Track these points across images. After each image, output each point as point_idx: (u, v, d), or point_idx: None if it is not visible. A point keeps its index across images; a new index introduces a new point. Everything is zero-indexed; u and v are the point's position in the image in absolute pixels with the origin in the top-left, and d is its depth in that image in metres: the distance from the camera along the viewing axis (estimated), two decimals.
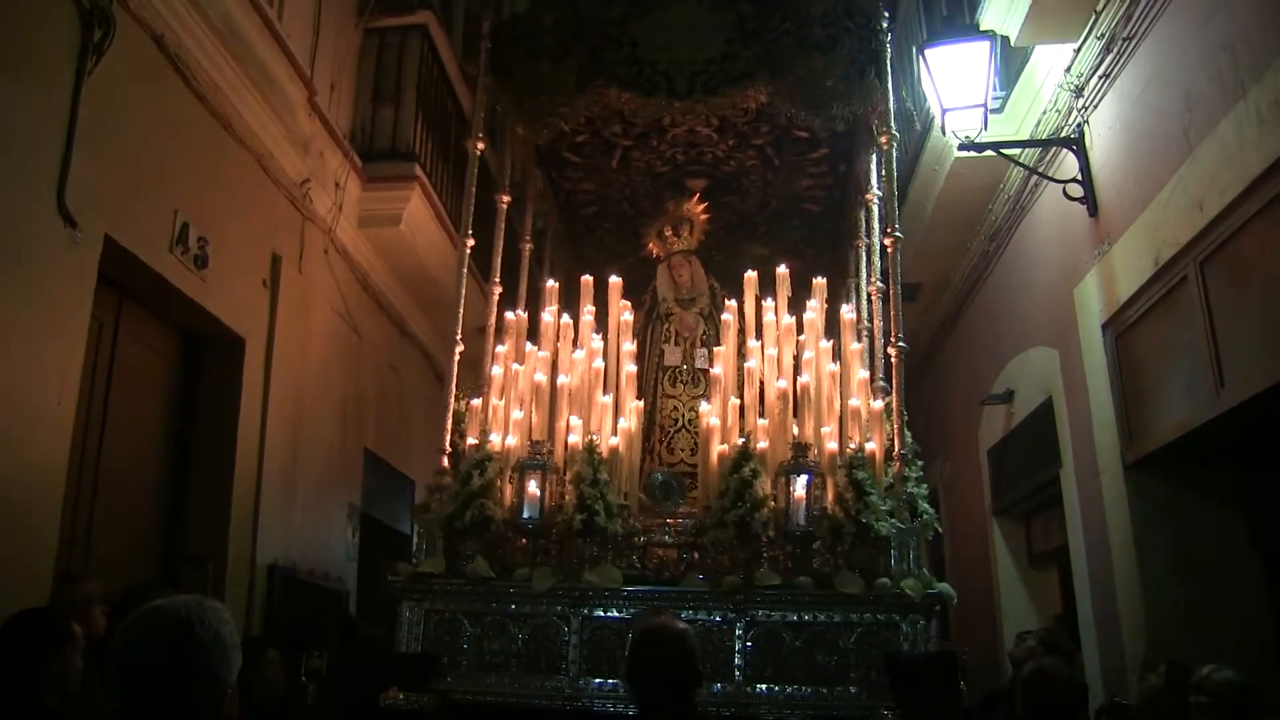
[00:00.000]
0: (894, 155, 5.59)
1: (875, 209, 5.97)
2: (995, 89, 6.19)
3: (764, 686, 4.79)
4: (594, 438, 5.30)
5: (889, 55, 5.63)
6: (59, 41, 4.40)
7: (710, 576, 4.99)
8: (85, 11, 4.49)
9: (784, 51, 5.67)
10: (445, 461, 5.37)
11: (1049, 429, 6.62)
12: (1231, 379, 4.44)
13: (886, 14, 5.71)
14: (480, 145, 5.94)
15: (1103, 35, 5.38)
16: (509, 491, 5.28)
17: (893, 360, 5.28)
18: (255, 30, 5.86)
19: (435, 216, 7.79)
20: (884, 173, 5.66)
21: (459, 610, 5.05)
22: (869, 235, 6.14)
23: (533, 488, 5.16)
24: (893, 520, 4.90)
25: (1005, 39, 5.95)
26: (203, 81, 5.52)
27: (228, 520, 5.81)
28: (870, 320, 6.00)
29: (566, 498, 5.19)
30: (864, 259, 6.33)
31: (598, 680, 4.89)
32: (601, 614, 5.00)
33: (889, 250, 5.44)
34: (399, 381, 8.68)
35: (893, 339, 5.28)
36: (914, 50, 6.74)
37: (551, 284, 6.41)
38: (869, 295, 6.06)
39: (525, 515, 5.13)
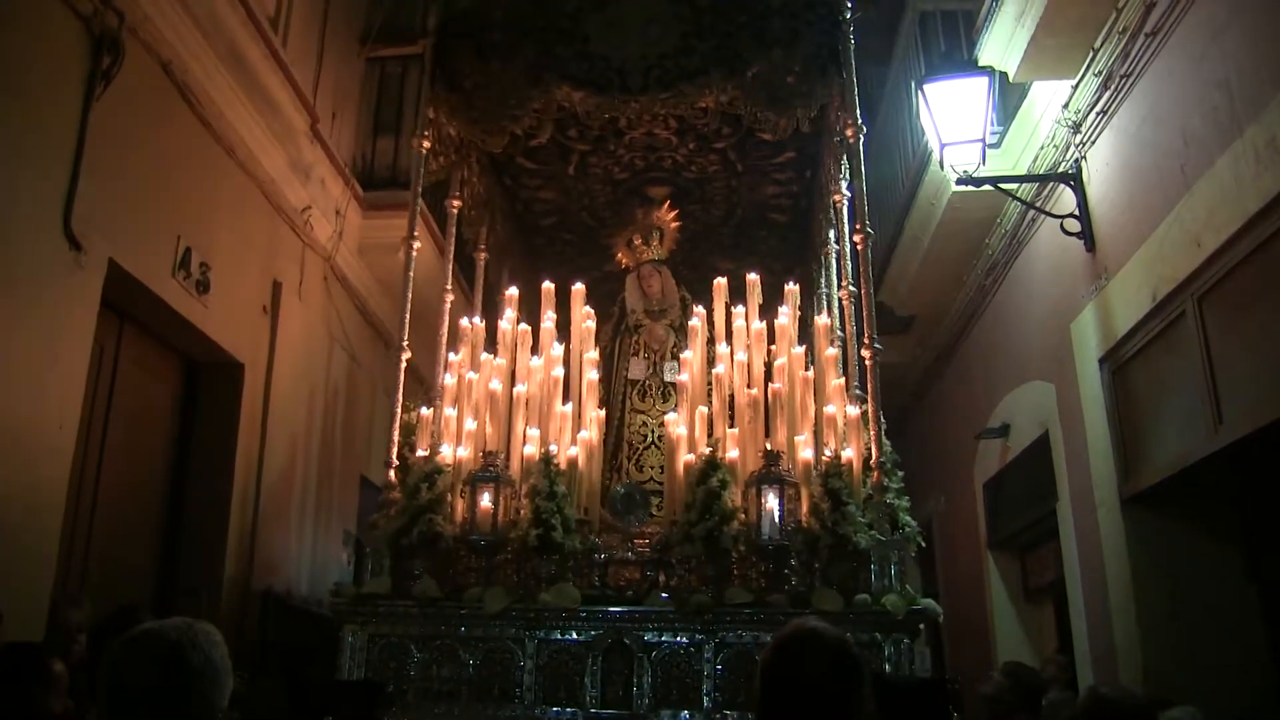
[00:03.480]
0: (861, 148, 5.40)
1: (844, 209, 5.78)
2: (993, 124, 6.22)
3: (736, 713, 4.57)
4: (552, 448, 5.07)
5: (852, 47, 5.50)
6: (68, 67, 4.43)
7: (677, 595, 4.77)
8: (95, 37, 4.52)
9: (741, 45, 5.49)
10: (393, 475, 5.13)
11: (1045, 463, 6.63)
12: (1229, 415, 4.46)
13: (850, 4, 5.58)
14: (426, 144, 5.75)
15: (1100, 72, 5.43)
16: (460, 506, 5.03)
17: (867, 364, 5.08)
18: (260, 58, 5.90)
19: (434, 245, 7.82)
20: (852, 167, 5.46)
21: (406, 634, 4.82)
22: (839, 240, 5.96)
23: (485, 502, 4.92)
24: (872, 532, 4.69)
25: (1003, 75, 6.00)
26: (208, 108, 5.55)
27: (224, 545, 5.78)
28: (843, 327, 5.80)
29: (522, 512, 4.96)
30: (834, 264, 6.16)
31: (555, 709, 4.68)
32: (559, 637, 4.77)
33: (860, 248, 5.26)
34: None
35: (865, 341, 5.07)
36: (913, 85, 6.80)
37: (511, 291, 6.20)
38: (840, 300, 5.84)
39: (477, 531, 4.89)
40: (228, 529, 5.83)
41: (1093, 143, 5.70)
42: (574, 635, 4.77)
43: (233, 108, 5.79)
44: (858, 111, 5.43)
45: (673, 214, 6.72)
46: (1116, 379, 5.65)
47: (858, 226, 5.30)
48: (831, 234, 6.22)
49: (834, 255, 6.19)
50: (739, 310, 5.83)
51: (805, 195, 6.91)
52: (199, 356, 5.92)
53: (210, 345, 5.76)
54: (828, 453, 5.05)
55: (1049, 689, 6.09)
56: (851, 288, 5.59)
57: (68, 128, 4.42)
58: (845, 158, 5.71)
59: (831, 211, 6.15)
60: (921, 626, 4.70)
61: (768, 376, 5.51)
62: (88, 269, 4.56)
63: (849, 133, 5.42)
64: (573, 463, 5.14)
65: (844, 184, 5.80)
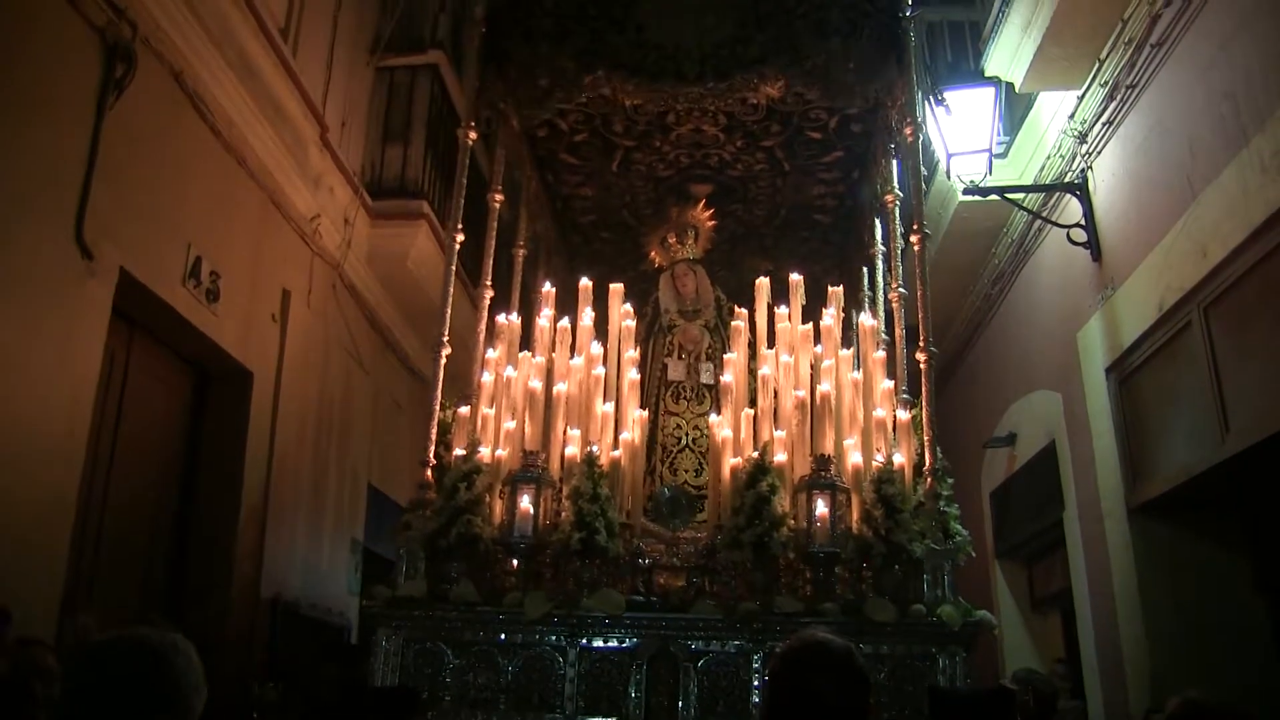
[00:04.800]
0: (919, 148, 5.30)
1: (897, 210, 5.63)
2: (1000, 134, 6.23)
3: None
4: (594, 449, 4.91)
5: (913, 42, 5.40)
6: (82, 77, 4.48)
7: (723, 603, 4.59)
8: (108, 48, 4.57)
9: (800, 35, 5.35)
10: (429, 475, 4.96)
11: (1052, 472, 6.62)
12: (1236, 424, 4.46)
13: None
14: (473, 135, 5.61)
15: (1106, 83, 5.45)
16: (499, 508, 4.86)
17: (921, 367, 4.93)
18: (271, 67, 5.95)
19: (442, 254, 7.84)
20: (910, 166, 5.33)
21: (442, 639, 4.62)
22: (886, 241, 5.82)
23: (525, 503, 4.74)
24: (926, 541, 4.52)
25: (1010, 85, 6.02)
26: (219, 117, 5.59)
27: (233, 553, 5.80)
28: (891, 330, 5.60)
29: (563, 515, 4.79)
30: (880, 266, 6.03)
31: (597, 719, 4.47)
32: (602, 644, 4.57)
33: (916, 248, 5.11)
34: (403, 417, 8.69)
35: (921, 343, 4.93)
36: (920, 95, 6.81)
37: (548, 288, 6.03)
38: (888, 302, 5.65)
39: (517, 534, 4.71)
40: (236, 536, 5.85)
41: (1099, 153, 5.71)
42: (617, 643, 4.58)
43: (243, 117, 5.83)
44: (917, 109, 5.31)
45: (708, 213, 6.58)
46: (1123, 388, 5.65)
47: (915, 226, 5.17)
48: (879, 234, 6.09)
49: (880, 257, 6.07)
50: (782, 311, 5.67)
51: (852, 195, 6.77)
52: (208, 365, 5.95)
53: (220, 354, 5.79)
54: (879, 458, 4.88)
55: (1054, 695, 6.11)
56: (902, 289, 5.43)
57: (81, 137, 4.46)
58: (900, 159, 5.61)
59: (879, 212, 6.04)
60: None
61: (813, 379, 5.34)
62: (99, 277, 4.59)
63: (908, 132, 5.30)
64: (614, 464, 4.97)
65: (895, 184, 5.69)
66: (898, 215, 5.67)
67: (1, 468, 4.01)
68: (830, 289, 5.82)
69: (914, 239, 5.16)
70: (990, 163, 5.91)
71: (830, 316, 5.60)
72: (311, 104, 6.52)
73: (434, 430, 5.11)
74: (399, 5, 8.05)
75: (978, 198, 6.08)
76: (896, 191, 5.67)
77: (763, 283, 5.85)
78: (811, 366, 5.45)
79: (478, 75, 5.69)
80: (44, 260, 4.26)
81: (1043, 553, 7.45)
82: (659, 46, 5.45)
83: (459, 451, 5.01)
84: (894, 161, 5.75)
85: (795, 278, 5.82)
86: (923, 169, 5.46)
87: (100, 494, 5.02)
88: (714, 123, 6.10)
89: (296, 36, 6.58)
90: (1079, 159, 5.90)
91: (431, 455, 5.04)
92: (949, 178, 6.18)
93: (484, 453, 5.02)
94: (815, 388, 5.23)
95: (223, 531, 5.83)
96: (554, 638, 4.60)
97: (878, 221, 6.18)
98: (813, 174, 6.64)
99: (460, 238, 5.54)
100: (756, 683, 4.44)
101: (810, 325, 5.63)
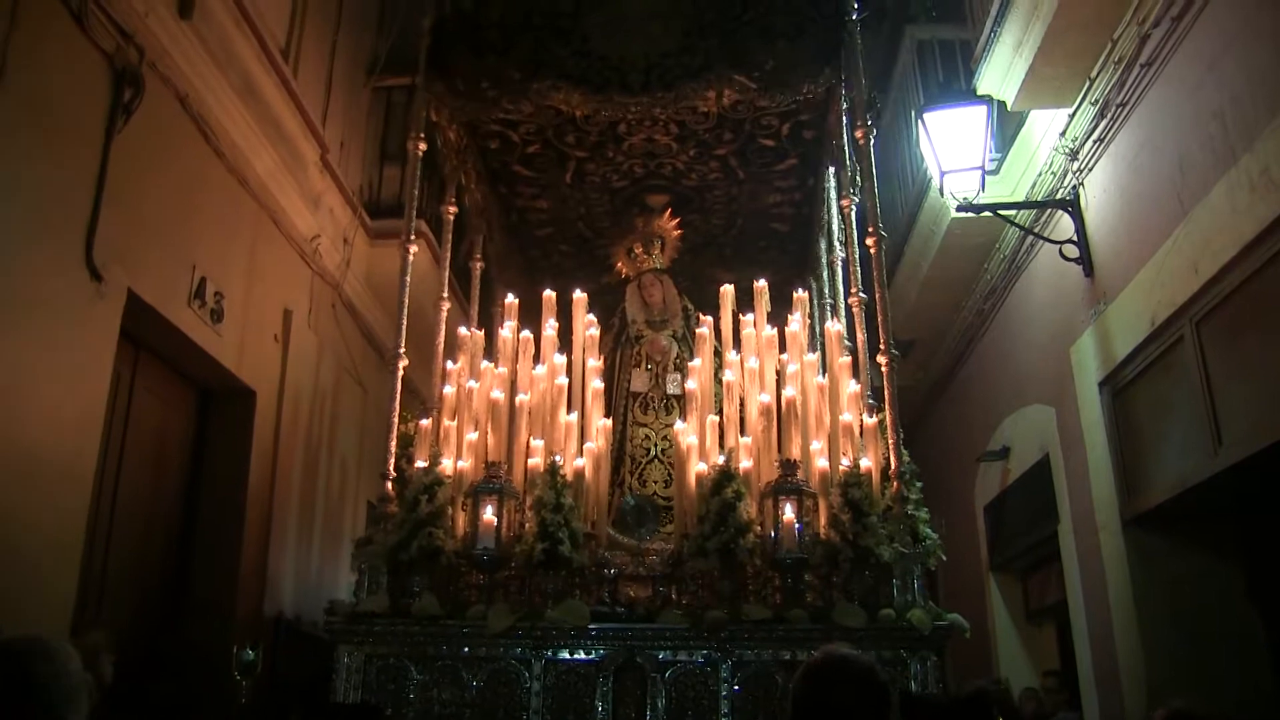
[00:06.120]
0: (872, 150, 5.26)
1: (853, 214, 5.61)
2: (992, 151, 6.29)
3: None
4: (557, 459, 4.87)
5: (858, 45, 5.41)
6: (91, 101, 4.53)
7: (690, 612, 4.55)
8: (116, 72, 4.63)
9: (745, 42, 5.36)
10: (390, 487, 4.94)
11: (1046, 486, 6.68)
12: (1228, 437, 4.52)
13: (856, 3, 5.50)
14: (422, 146, 5.65)
15: (1097, 101, 5.53)
16: (462, 519, 4.84)
17: (883, 370, 4.90)
18: (272, 88, 6.01)
19: (434, 260, 7.88)
20: (863, 169, 5.30)
21: (404, 654, 4.58)
22: (845, 246, 5.82)
23: (488, 515, 4.69)
24: (895, 545, 4.51)
25: (1001, 103, 6.09)
26: (222, 140, 5.65)
27: (237, 571, 5.83)
28: (854, 336, 5.58)
29: (526, 526, 4.76)
30: (840, 271, 6.01)
31: None
32: (567, 656, 4.53)
33: (872, 251, 5.10)
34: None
35: (882, 346, 4.90)
36: (912, 114, 6.89)
37: (511, 300, 6.02)
38: (849, 308, 5.62)
39: (480, 546, 4.66)
40: (240, 554, 5.87)
41: (1090, 170, 5.78)
42: (583, 654, 4.55)
43: (246, 139, 5.88)
44: (865, 112, 5.32)
45: (674, 221, 6.62)
46: (1116, 402, 5.71)
47: (870, 230, 5.16)
48: (839, 240, 6.08)
49: (840, 262, 6.06)
50: (747, 318, 5.69)
51: (808, 203, 6.81)
52: (212, 384, 5.99)
53: (223, 373, 5.83)
54: (845, 462, 4.86)
55: (1055, 712, 6.16)
56: (862, 294, 5.45)
57: (90, 160, 4.52)
58: (854, 161, 5.61)
59: (836, 218, 6.04)
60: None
61: (779, 385, 5.35)
62: (107, 299, 4.63)
63: (859, 134, 5.30)
64: (579, 474, 4.95)
65: (852, 189, 5.70)
66: (854, 219, 5.67)
67: (12, 489, 4.04)
68: (795, 295, 5.84)
69: (869, 242, 5.16)
70: (983, 180, 5.96)
71: (796, 322, 5.61)
72: (312, 124, 6.58)
73: (393, 443, 5.11)
74: (395, 26, 8.11)
75: (970, 214, 6.13)
76: (853, 197, 5.67)
77: (727, 290, 5.87)
78: (777, 373, 5.45)
79: (426, 86, 5.73)
80: (54, 283, 4.30)
81: (1037, 565, 7.51)
82: (604, 58, 5.47)
83: (421, 463, 4.98)
84: (847, 166, 5.74)
85: (760, 284, 5.85)
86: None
87: (107, 513, 5.06)
88: (666, 132, 6.10)
89: (297, 58, 6.65)
90: (1070, 176, 5.98)
91: (392, 468, 5.03)
92: (942, 195, 6.25)
93: (446, 464, 4.98)
94: (781, 393, 5.22)
95: (227, 549, 5.86)
96: (519, 651, 4.58)
97: (835, 227, 6.18)
98: (768, 182, 6.66)
99: (414, 249, 5.63)
100: (724, 692, 4.40)
101: (775, 331, 5.64)
